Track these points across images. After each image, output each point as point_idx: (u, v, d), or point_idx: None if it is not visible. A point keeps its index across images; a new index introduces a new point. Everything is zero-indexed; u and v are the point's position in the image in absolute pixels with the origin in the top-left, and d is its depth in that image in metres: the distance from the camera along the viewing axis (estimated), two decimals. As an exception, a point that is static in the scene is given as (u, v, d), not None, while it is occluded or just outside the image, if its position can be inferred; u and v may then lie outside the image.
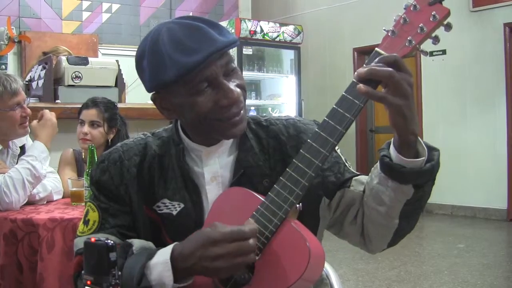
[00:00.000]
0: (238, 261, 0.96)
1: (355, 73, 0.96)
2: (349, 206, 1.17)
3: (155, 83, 1.08)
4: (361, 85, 0.94)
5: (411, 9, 0.97)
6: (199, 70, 1.03)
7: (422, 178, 1.02)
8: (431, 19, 0.95)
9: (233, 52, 6.38)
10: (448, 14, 0.95)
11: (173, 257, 0.99)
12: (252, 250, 0.97)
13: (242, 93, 1.10)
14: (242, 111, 1.10)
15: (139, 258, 1.01)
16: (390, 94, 0.93)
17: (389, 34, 0.98)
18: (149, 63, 1.06)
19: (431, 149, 1.02)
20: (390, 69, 0.92)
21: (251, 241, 0.97)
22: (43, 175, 2.16)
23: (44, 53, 4.43)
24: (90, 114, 2.60)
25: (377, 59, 0.95)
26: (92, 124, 2.59)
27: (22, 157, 2.18)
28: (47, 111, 2.31)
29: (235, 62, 1.10)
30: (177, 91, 1.07)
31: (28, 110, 2.29)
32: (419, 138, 1.01)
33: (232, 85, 1.08)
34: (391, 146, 1.03)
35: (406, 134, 0.98)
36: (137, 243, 1.07)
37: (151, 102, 1.14)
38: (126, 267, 0.99)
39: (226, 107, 1.07)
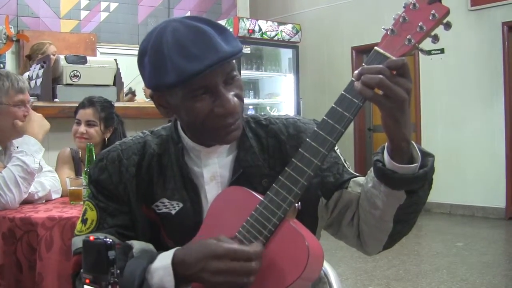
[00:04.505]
0: (237, 280, 0.95)
1: (354, 72, 0.95)
2: (346, 207, 1.17)
3: (154, 83, 1.07)
4: (356, 83, 0.93)
5: (410, 7, 0.96)
6: (199, 77, 1.02)
7: (414, 184, 1.01)
8: (430, 18, 0.94)
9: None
10: (447, 12, 0.94)
11: (175, 262, 0.98)
12: (254, 273, 0.96)
13: (240, 103, 1.09)
14: (237, 122, 1.09)
15: (140, 261, 1.01)
16: (383, 96, 0.93)
17: (388, 33, 0.97)
18: (150, 61, 1.05)
19: (426, 155, 1.01)
20: (381, 76, 0.91)
21: (253, 263, 0.96)
22: (36, 169, 2.13)
23: (28, 57, 4.40)
24: (87, 113, 2.59)
25: (385, 63, 0.93)
26: (88, 123, 2.58)
27: (13, 153, 2.15)
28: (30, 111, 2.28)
29: (234, 61, 1.09)
30: (175, 94, 1.06)
31: (32, 112, 2.27)
32: (414, 143, 1.00)
33: (230, 94, 1.06)
34: (385, 151, 1.02)
35: (397, 139, 0.97)
36: (136, 245, 1.07)
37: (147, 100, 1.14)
38: (126, 270, 0.99)
39: (221, 116, 1.06)
